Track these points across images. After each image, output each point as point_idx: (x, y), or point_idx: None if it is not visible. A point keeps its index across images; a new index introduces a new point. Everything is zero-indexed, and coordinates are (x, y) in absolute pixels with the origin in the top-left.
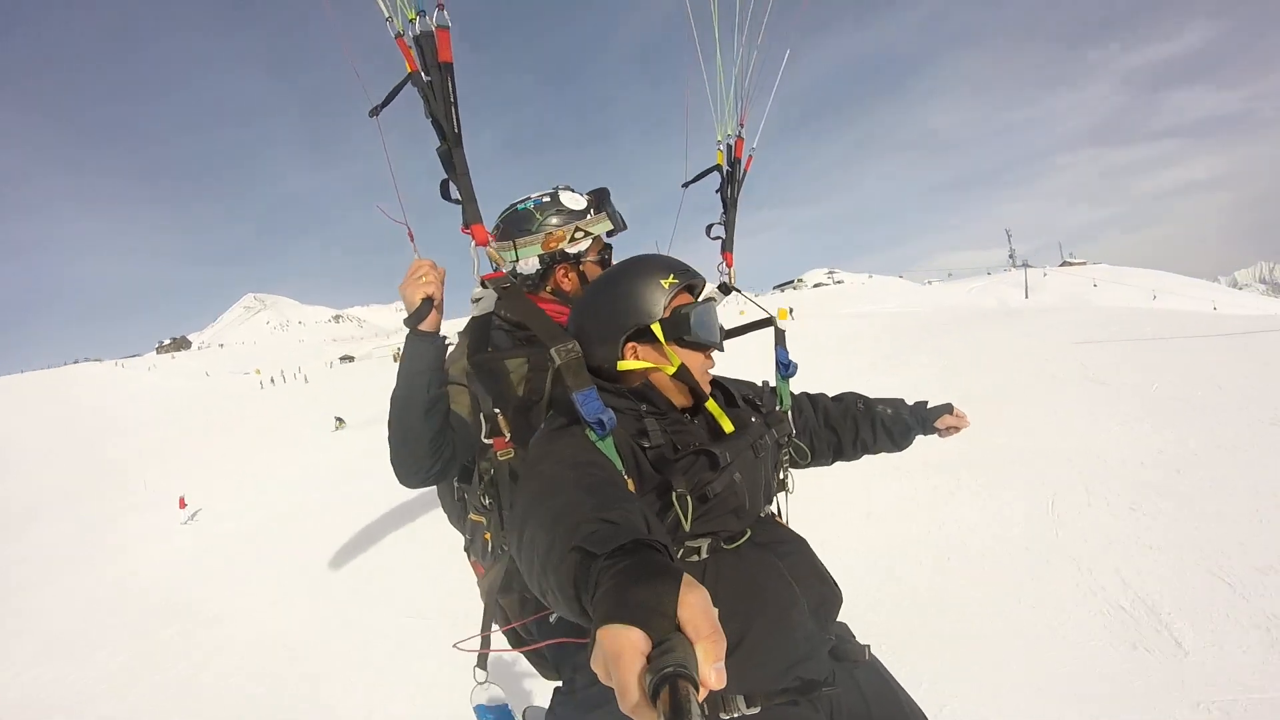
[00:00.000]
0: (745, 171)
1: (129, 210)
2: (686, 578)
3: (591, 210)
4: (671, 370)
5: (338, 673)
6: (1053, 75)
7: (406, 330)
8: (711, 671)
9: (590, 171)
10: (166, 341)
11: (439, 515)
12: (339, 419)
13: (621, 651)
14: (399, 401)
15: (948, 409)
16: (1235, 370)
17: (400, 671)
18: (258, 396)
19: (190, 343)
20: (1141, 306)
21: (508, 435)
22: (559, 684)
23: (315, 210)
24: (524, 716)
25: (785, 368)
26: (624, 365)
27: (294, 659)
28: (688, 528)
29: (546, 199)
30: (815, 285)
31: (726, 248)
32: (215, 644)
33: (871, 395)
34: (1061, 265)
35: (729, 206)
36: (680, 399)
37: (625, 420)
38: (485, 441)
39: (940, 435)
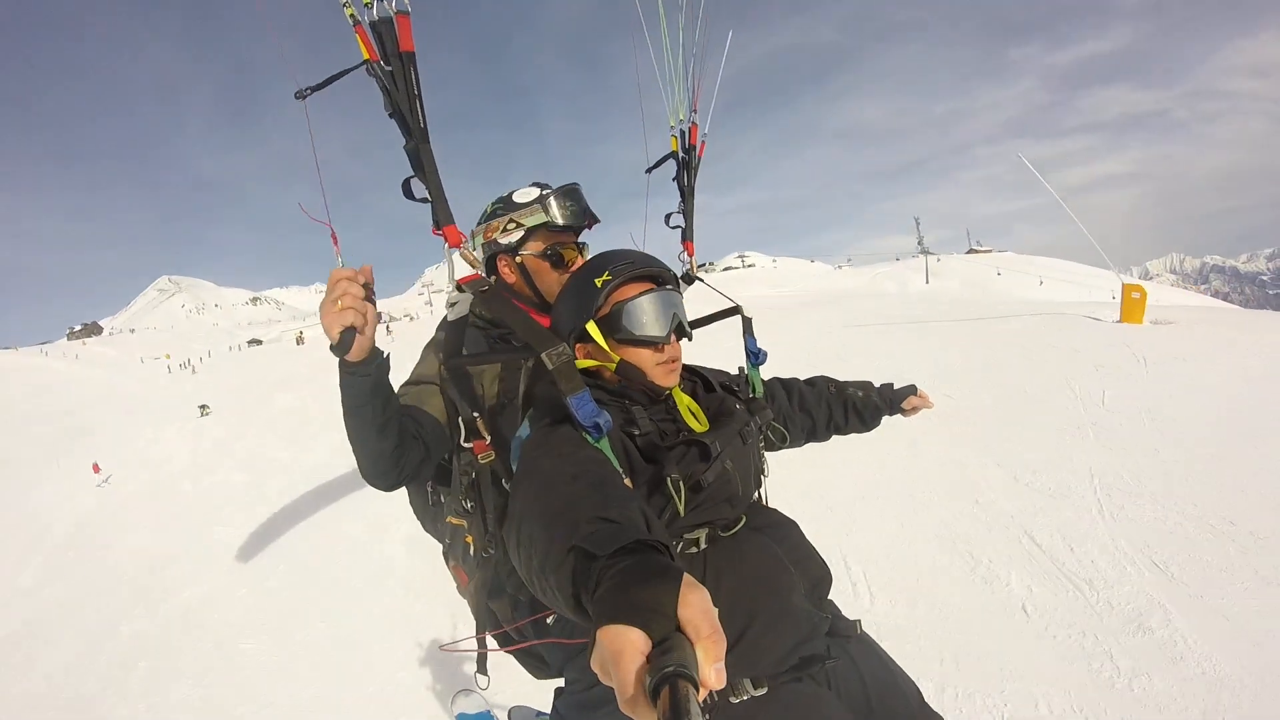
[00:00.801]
0: (699, 158)
1: (33, 192)
2: (687, 578)
3: (536, 204)
4: (612, 367)
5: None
6: (977, 70)
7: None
8: (711, 671)
9: (539, 162)
10: (77, 328)
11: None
12: (203, 406)
13: (621, 651)
14: (350, 428)
15: (913, 390)
16: (972, 351)
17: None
18: (164, 383)
19: (101, 328)
20: (1025, 295)
21: (488, 438)
22: (557, 684)
23: (232, 190)
24: (509, 716)
25: (755, 356)
26: (580, 364)
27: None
28: (683, 513)
29: (506, 194)
30: (725, 269)
31: (687, 236)
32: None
33: (842, 379)
34: (968, 252)
35: (687, 195)
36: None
37: (612, 411)
38: (465, 445)
39: (905, 415)
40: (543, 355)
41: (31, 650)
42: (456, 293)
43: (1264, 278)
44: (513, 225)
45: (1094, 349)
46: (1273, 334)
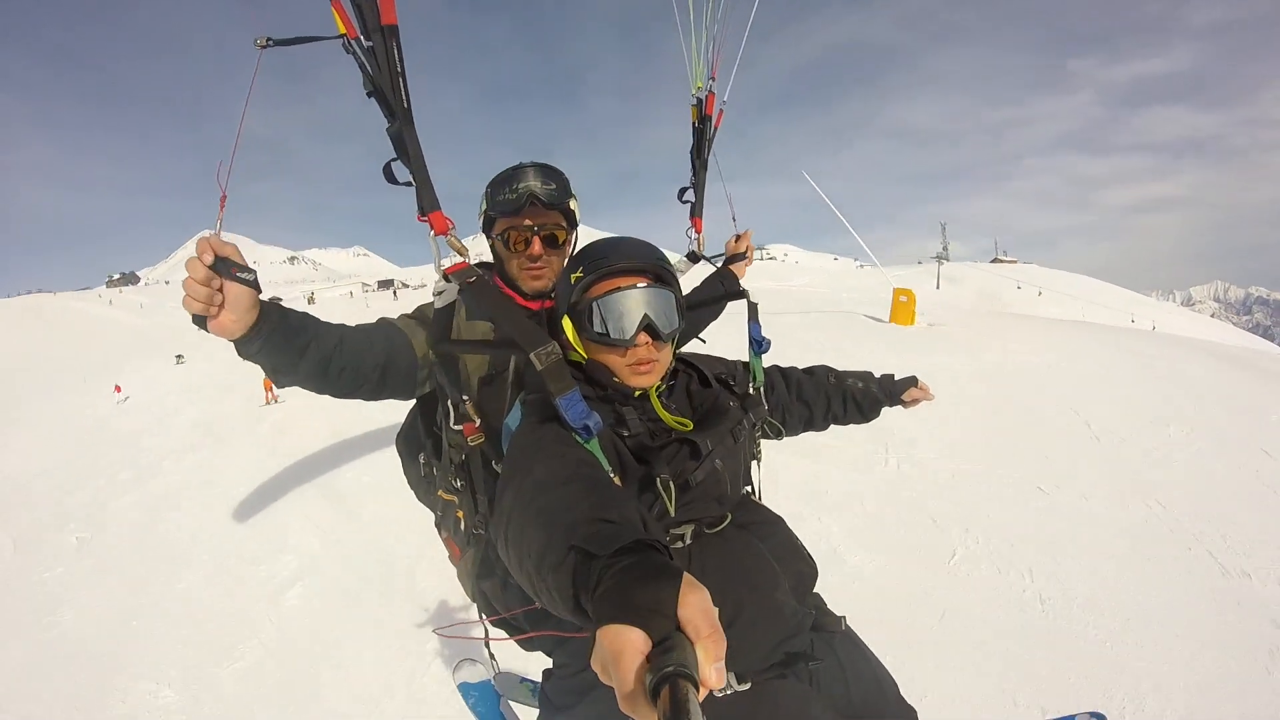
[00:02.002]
0: (716, 129)
1: (85, 136)
2: (687, 577)
3: (485, 190)
4: (584, 364)
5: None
6: (1034, 79)
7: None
8: (711, 671)
9: (564, 136)
10: (115, 276)
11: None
12: (178, 356)
13: (622, 651)
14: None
15: (913, 382)
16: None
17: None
18: (182, 329)
19: (139, 278)
20: (1025, 309)
21: (477, 421)
22: (545, 661)
23: (274, 148)
24: (495, 683)
25: (759, 344)
26: (571, 355)
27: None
28: (673, 512)
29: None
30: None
31: (695, 213)
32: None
33: (841, 369)
34: (993, 261)
35: (698, 168)
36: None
37: (602, 410)
38: (455, 428)
39: (905, 406)
40: (531, 355)
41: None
42: (443, 281)
43: None
44: (483, 209)
45: (858, 341)
46: (1017, 340)
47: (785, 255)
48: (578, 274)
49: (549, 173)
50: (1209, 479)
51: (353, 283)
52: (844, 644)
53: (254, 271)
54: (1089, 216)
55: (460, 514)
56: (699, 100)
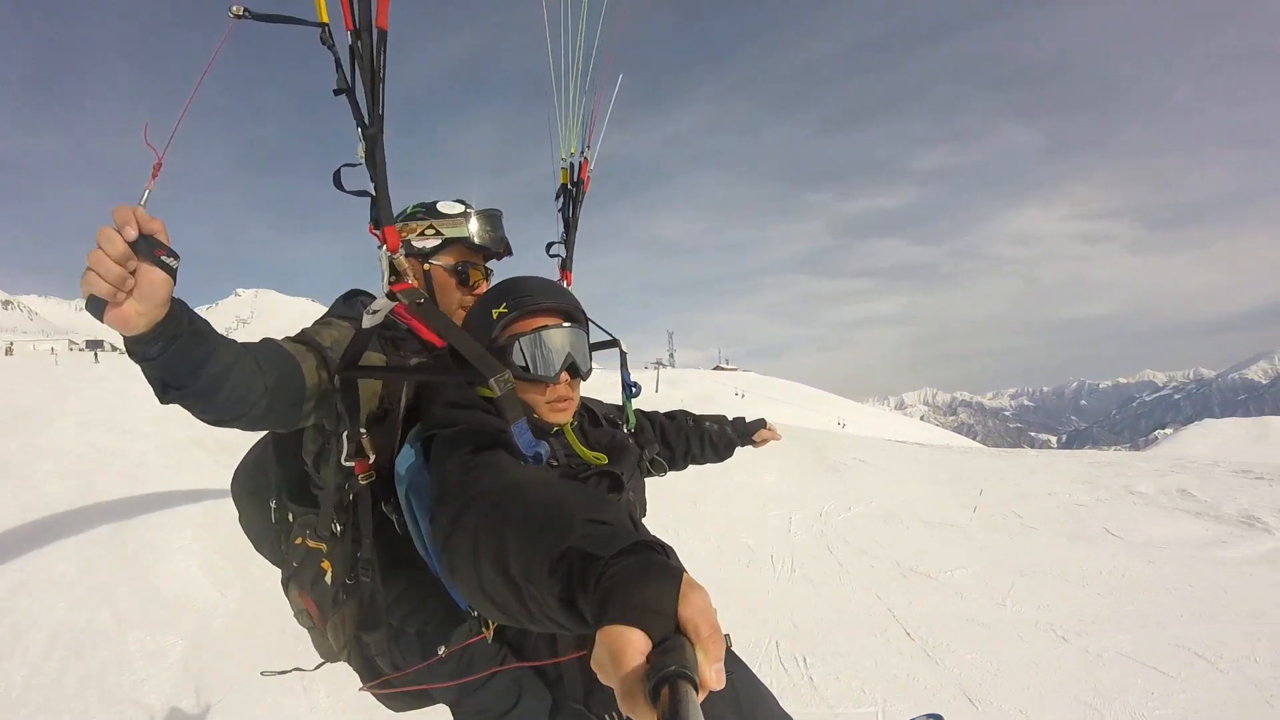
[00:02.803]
0: (584, 191)
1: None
2: (687, 578)
3: (460, 217)
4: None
5: None
6: (776, 208)
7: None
8: (711, 672)
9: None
10: None
11: None
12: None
13: (622, 651)
14: None
15: (762, 424)
16: None
17: None
18: None
19: None
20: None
21: (372, 457)
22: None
23: (10, 168)
24: None
25: (629, 389)
26: (481, 391)
27: None
28: None
29: (430, 201)
30: None
31: (566, 267)
32: None
33: (697, 413)
34: (715, 369)
35: (570, 225)
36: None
37: None
38: (346, 464)
39: (755, 446)
40: (491, 381)
41: None
42: (385, 300)
43: (1006, 413)
44: (431, 231)
45: None
46: None
47: None
48: (501, 310)
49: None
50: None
51: (63, 338)
52: (731, 660)
53: (178, 257)
54: (817, 329)
55: (326, 564)
56: (572, 164)
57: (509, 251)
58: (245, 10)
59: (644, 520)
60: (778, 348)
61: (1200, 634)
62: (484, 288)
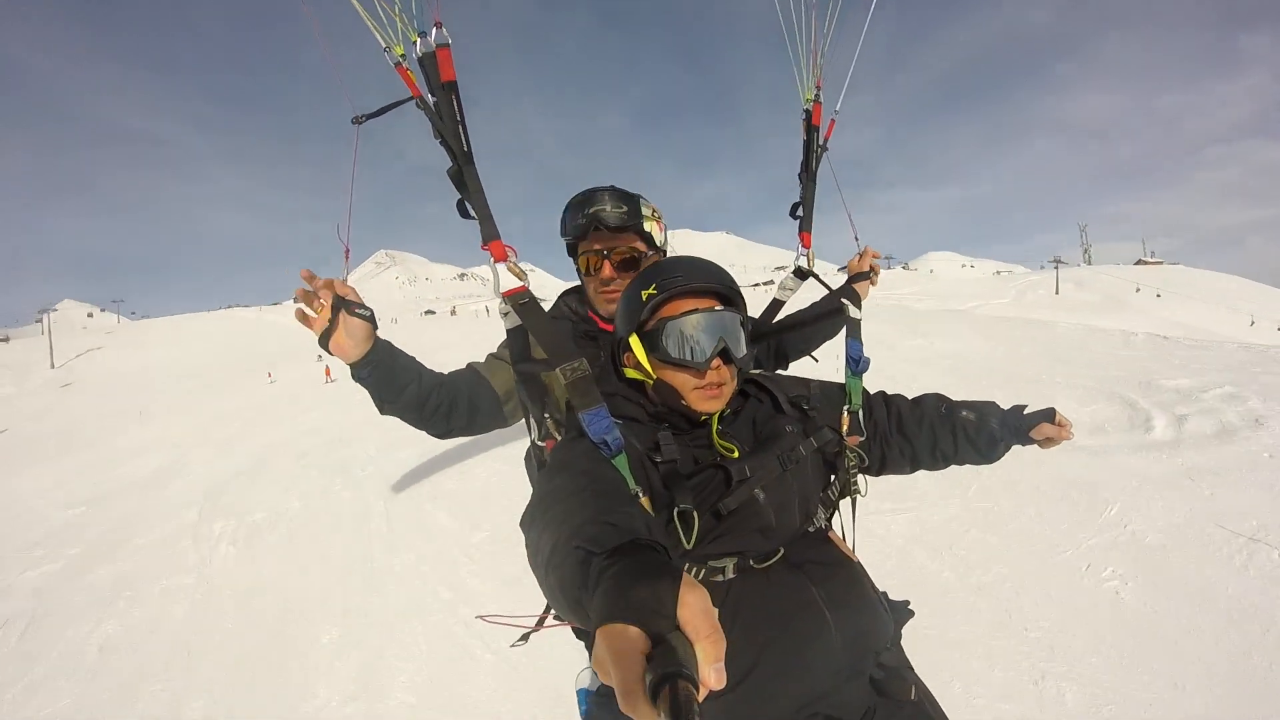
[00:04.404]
0: (826, 140)
1: (267, 171)
2: (686, 577)
3: (575, 206)
4: (650, 384)
5: None
6: (1203, 63)
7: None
8: (711, 671)
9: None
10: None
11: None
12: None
13: (621, 650)
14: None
15: (1048, 416)
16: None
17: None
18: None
19: None
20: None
21: (559, 437)
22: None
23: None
24: (576, 680)
25: (856, 363)
26: (630, 373)
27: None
28: (688, 546)
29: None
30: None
31: (804, 228)
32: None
33: (958, 398)
34: (1137, 264)
35: (807, 181)
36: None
37: (641, 432)
38: (539, 443)
39: (1040, 446)
40: (557, 370)
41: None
42: (503, 304)
43: None
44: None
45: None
46: None
47: (931, 269)
48: (649, 291)
49: (620, 197)
50: None
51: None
52: (912, 714)
53: (370, 310)
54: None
55: None
56: (806, 112)
57: (603, 224)
58: (363, 115)
59: (817, 517)
60: (1227, 238)
61: None
62: (605, 268)
